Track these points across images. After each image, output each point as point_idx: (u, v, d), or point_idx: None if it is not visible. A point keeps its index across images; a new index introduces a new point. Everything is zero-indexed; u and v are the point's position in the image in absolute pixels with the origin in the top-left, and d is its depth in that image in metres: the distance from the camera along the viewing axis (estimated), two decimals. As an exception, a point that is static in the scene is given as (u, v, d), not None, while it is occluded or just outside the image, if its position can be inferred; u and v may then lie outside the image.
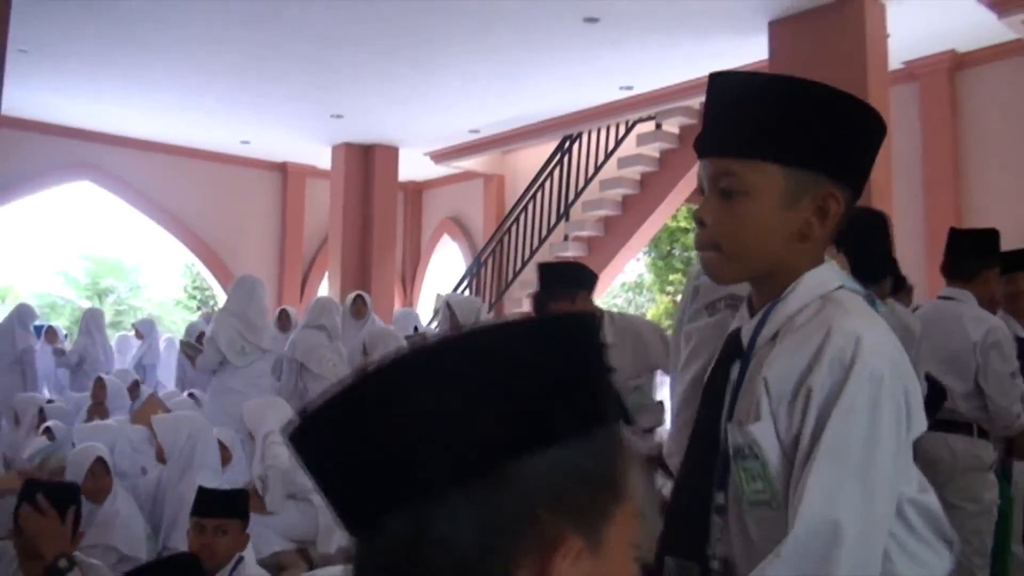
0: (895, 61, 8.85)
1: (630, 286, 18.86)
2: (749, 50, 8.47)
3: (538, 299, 4.20)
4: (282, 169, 14.64)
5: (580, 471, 0.76)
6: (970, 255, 4.26)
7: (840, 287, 1.54)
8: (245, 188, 14.35)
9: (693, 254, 16.49)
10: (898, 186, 8.49)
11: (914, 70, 9.41)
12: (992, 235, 4.37)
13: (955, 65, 9.34)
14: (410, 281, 15.42)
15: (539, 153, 12.60)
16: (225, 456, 5.39)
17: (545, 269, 4.34)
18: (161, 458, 5.05)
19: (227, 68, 9.66)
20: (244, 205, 14.33)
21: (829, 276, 1.55)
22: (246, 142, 13.21)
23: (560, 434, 0.75)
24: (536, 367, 0.75)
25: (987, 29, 8.22)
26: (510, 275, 12.41)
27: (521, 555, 0.73)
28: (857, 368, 1.39)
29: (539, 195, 12.23)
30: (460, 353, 0.75)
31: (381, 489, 0.74)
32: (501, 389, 0.73)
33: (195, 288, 26.49)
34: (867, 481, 1.36)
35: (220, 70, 9.75)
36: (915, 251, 9.02)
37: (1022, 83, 9.07)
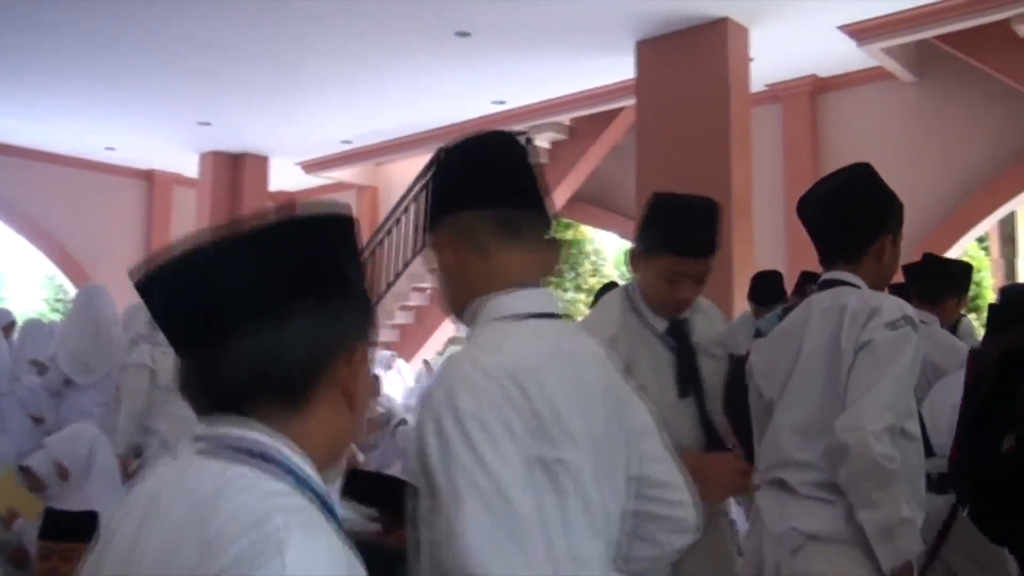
0: (759, 83, 9.14)
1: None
2: (617, 69, 8.63)
3: None
4: (148, 177, 14.23)
5: (361, 305, 1.18)
6: (940, 282, 4.54)
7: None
8: (109, 196, 13.88)
9: (565, 267, 16.65)
10: (760, 202, 8.75)
11: (777, 92, 9.75)
12: (965, 267, 4.75)
13: (816, 89, 9.70)
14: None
15: (413, 165, 12.56)
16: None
17: None
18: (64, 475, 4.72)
19: (91, 71, 9.31)
20: (108, 214, 13.86)
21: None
22: (111, 148, 12.79)
23: (342, 280, 1.15)
24: (312, 240, 1.13)
25: (847, 56, 8.58)
26: (383, 287, 12.32)
27: (329, 362, 1.13)
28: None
29: (413, 207, 12.18)
30: (258, 232, 1.10)
31: (205, 320, 1.08)
32: (290, 250, 1.10)
33: (57, 300, 25.42)
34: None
35: (84, 72, 9.39)
36: (777, 264, 9.30)
37: (879, 107, 9.49)
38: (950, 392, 3.62)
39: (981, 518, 2.98)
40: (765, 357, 2.66)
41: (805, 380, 2.46)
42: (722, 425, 2.81)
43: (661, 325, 2.71)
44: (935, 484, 3.42)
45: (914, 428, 2.39)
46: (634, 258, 2.72)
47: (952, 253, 9.12)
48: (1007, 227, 16.24)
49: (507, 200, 1.63)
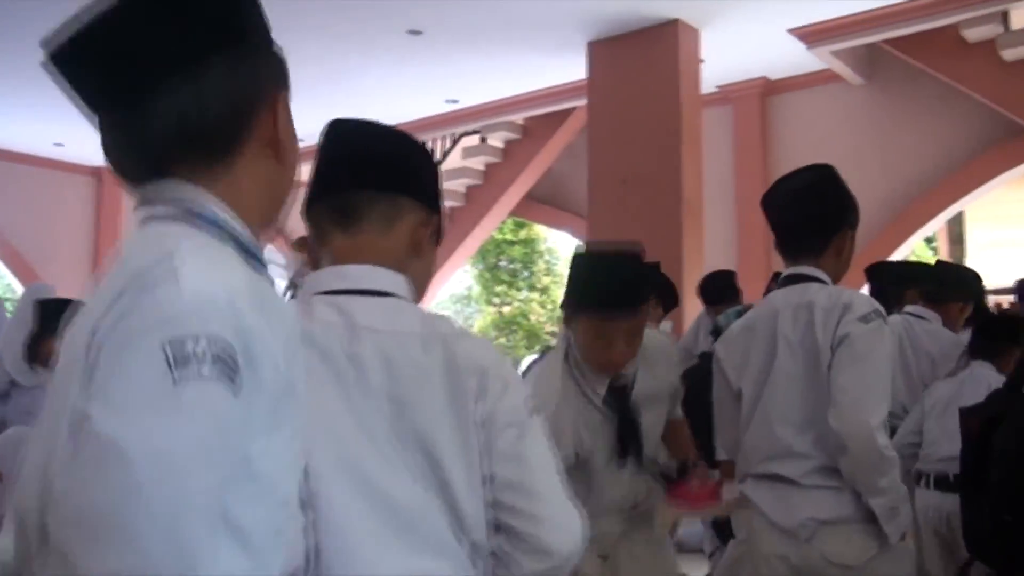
0: (710, 85, 9.19)
1: (457, 298, 18.93)
2: (570, 69, 8.63)
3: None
4: (97, 175, 14.01)
5: (275, 56, 1.19)
6: (949, 287, 4.77)
7: None
8: (58, 193, 13.63)
9: (519, 266, 16.70)
10: (712, 203, 8.81)
11: (728, 94, 9.81)
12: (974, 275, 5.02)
13: (766, 90, 9.78)
14: (232, 291, 15.00)
15: (366, 163, 12.48)
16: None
17: None
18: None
19: (40, 65, 9.14)
20: (57, 211, 13.61)
21: None
22: (60, 144, 12.57)
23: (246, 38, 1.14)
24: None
25: (797, 58, 8.65)
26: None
27: (251, 113, 1.13)
28: None
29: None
30: None
31: (124, 79, 1.09)
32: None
33: (5, 299, 25.02)
34: None
35: (32, 66, 9.20)
36: (727, 263, 9.37)
37: (829, 109, 9.58)
38: (938, 391, 4.18)
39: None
40: (733, 349, 2.76)
41: (787, 375, 2.56)
42: (666, 468, 2.87)
43: (601, 388, 2.65)
44: (938, 483, 3.90)
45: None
46: (565, 318, 2.68)
47: (900, 253, 9.25)
48: (955, 227, 16.45)
49: (338, 185, 1.61)
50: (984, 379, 4.04)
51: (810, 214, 2.67)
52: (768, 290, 5.53)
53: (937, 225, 11.23)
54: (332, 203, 1.59)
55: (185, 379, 0.91)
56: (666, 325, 5.93)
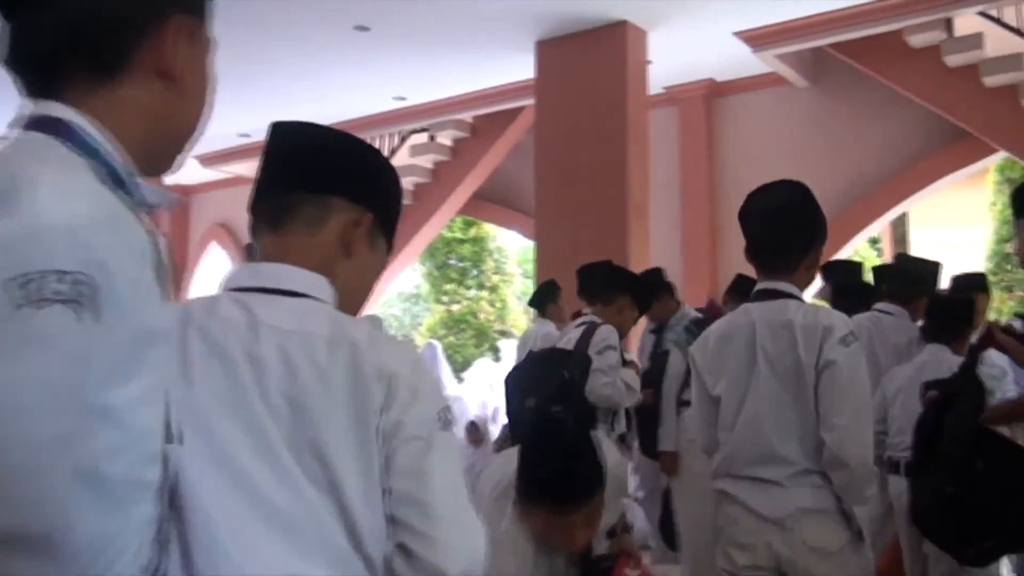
0: (657, 86, 9.22)
1: (406, 296, 18.83)
2: (518, 68, 8.62)
3: None
4: None
5: None
6: (913, 283, 4.83)
7: None
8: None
9: (468, 264, 16.67)
10: (657, 204, 8.84)
11: (674, 95, 9.86)
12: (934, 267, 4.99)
13: (712, 92, 9.85)
14: (177, 290, 14.76)
15: (314, 160, 12.36)
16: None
17: None
18: None
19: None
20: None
21: None
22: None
23: None
24: None
25: (743, 61, 8.71)
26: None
27: (144, 30, 1.10)
28: None
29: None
30: None
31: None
32: None
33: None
34: None
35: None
36: (673, 263, 9.44)
37: (774, 111, 9.67)
38: (894, 379, 4.37)
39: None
40: (710, 357, 2.92)
41: (770, 388, 2.74)
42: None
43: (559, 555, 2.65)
44: (909, 469, 3.85)
45: None
46: (521, 510, 2.58)
47: (843, 253, 9.35)
48: (899, 229, 16.68)
49: (271, 186, 1.59)
50: (944, 361, 4.16)
51: (788, 234, 2.80)
52: (733, 290, 5.60)
53: (881, 226, 11.39)
54: (265, 203, 1.57)
55: (28, 315, 0.87)
56: None
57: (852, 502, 2.68)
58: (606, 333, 4.63)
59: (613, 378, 4.51)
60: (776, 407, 2.73)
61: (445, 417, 1.42)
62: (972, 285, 5.20)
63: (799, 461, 2.69)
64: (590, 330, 4.63)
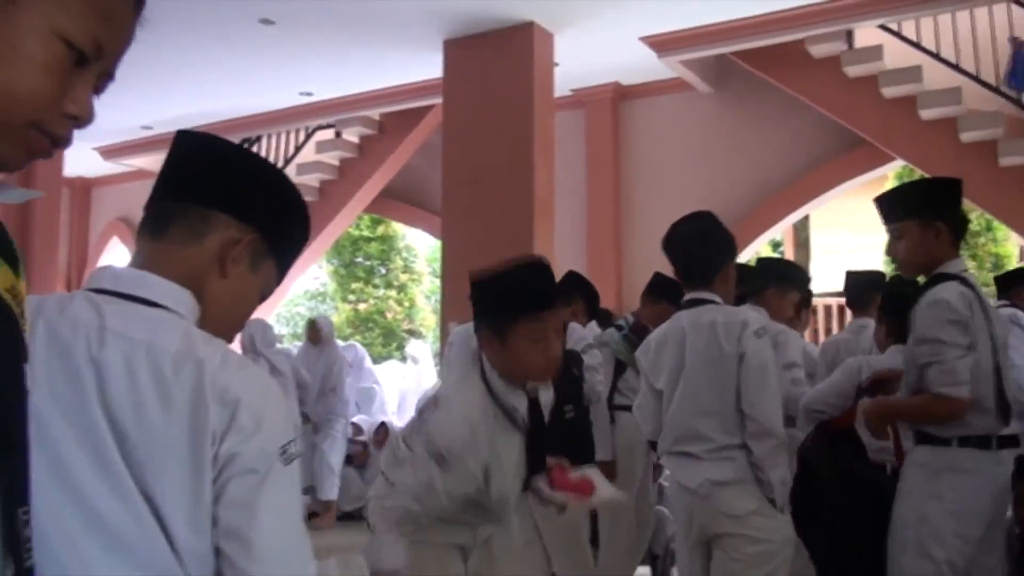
0: (564, 88, 9.26)
1: (312, 294, 18.58)
2: (426, 66, 8.56)
3: None
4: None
5: None
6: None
7: None
8: None
9: (376, 263, 16.51)
10: (563, 205, 8.88)
11: (581, 98, 9.90)
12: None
13: (619, 96, 9.91)
14: (76, 286, 14.37)
15: (218, 154, 12.10)
16: None
17: None
18: None
19: None
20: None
21: None
22: None
23: None
24: None
25: (649, 66, 8.76)
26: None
27: None
28: None
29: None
30: None
31: None
32: None
33: None
34: None
35: None
36: (577, 262, 9.48)
37: (679, 116, 9.78)
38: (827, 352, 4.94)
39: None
40: (651, 357, 3.53)
41: (697, 377, 3.33)
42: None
43: (521, 405, 2.74)
44: None
45: None
46: (489, 342, 2.70)
47: (745, 256, 9.50)
48: (801, 232, 17.04)
49: (159, 193, 1.55)
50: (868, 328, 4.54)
51: (703, 256, 3.46)
52: (652, 287, 5.65)
53: (781, 230, 11.61)
54: (151, 209, 1.52)
55: None
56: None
57: (769, 468, 3.19)
58: (583, 332, 4.66)
59: (603, 375, 4.56)
60: (700, 392, 3.33)
61: (289, 451, 1.35)
62: (873, 282, 5.32)
63: (718, 438, 3.27)
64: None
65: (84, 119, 1.01)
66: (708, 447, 3.28)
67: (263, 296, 1.58)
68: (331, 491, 8.58)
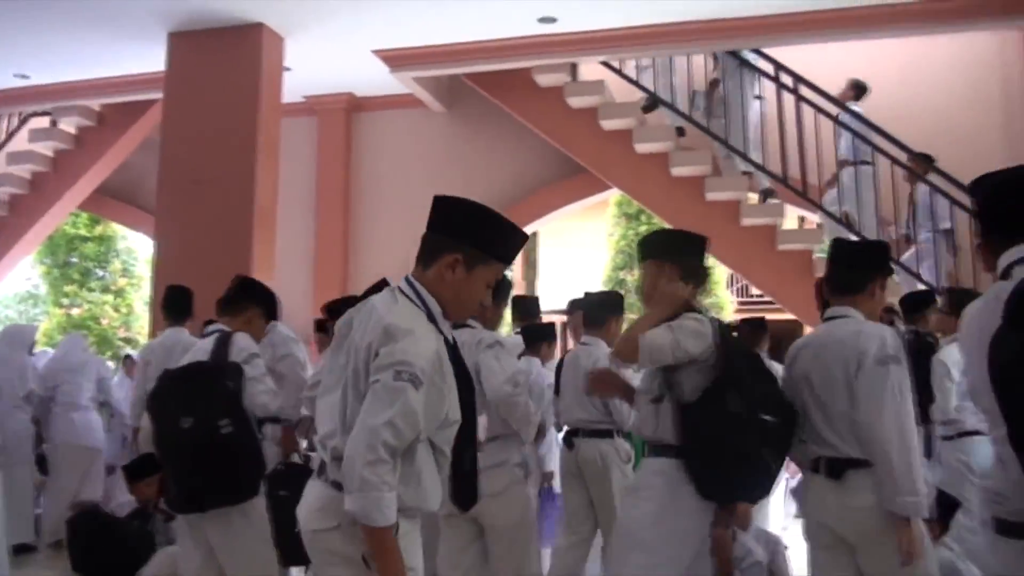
0: (297, 94, 9.17)
1: (22, 296, 17.26)
2: (149, 58, 8.22)
3: None
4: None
5: None
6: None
7: None
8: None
9: (92, 265, 15.57)
10: (292, 211, 8.81)
11: (314, 105, 9.83)
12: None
13: (352, 107, 9.92)
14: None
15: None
16: None
17: None
18: None
19: None
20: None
21: None
22: None
23: None
24: None
25: (383, 79, 8.78)
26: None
27: None
28: None
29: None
30: None
31: None
32: None
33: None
34: None
35: None
36: (305, 272, 9.40)
37: (411, 132, 9.92)
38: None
39: None
40: None
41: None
42: None
43: (450, 336, 2.65)
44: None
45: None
46: (455, 265, 2.55)
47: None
48: (529, 252, 17.59)
49: None
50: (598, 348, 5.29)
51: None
52: (369, 294, 5.64)
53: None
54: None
55: None
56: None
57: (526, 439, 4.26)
58: (246, 342, 4.46)
59: (268, 385, 4.37)
60: None
61: None
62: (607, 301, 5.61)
63: (495, 430, 4.14)
64: (225, 339, 4.40)
65: None
66: (488, 435, 4.23)
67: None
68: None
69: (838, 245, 3.75)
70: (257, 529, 3.82)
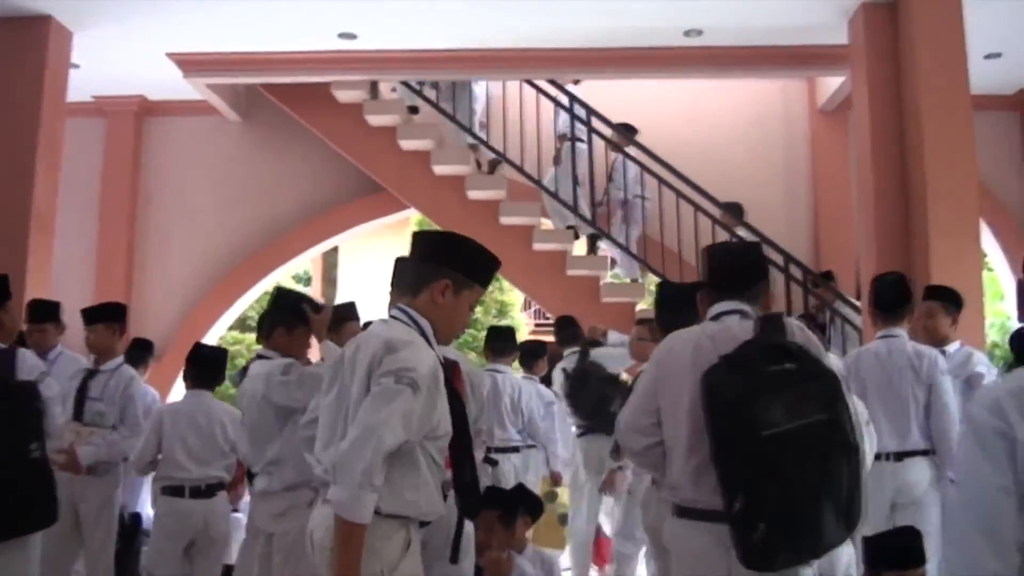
0: (84, 93, 8.80)
1: None
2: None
3: None
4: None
5: None
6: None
7: None
8: None
9: None
10: (72, 216, 8.45)
11: (103, 106, 9.42)
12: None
13: (143, 110, 9.57)
14: None
15: None
16: None
17: None
18: None
19: None
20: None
21: None
22: None
23: None
24: None
25: (177, 84, 8.50)
26: None
27: None
28: None
29: None
30: None
31: None
32: None
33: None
34: None
35: None
36: (85, 281, 8.98)
37: (205, 140, 9.68)
38: None
39: None
40: None
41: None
42: None
43: (441, 356, 2.84)
44: None
45: None
46: (445, 290, 2.79)
47: (265, 284, 9.58)
48: (330, 269, 17.48)
49: None
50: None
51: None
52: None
53: (303, 263, 11.87)
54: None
55: None
56: None
57: None
58: (35, 361, 4.13)
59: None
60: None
61: None
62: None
63: None
64: (8, 354, 3.98)
65: None
66: None
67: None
68: None
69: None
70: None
